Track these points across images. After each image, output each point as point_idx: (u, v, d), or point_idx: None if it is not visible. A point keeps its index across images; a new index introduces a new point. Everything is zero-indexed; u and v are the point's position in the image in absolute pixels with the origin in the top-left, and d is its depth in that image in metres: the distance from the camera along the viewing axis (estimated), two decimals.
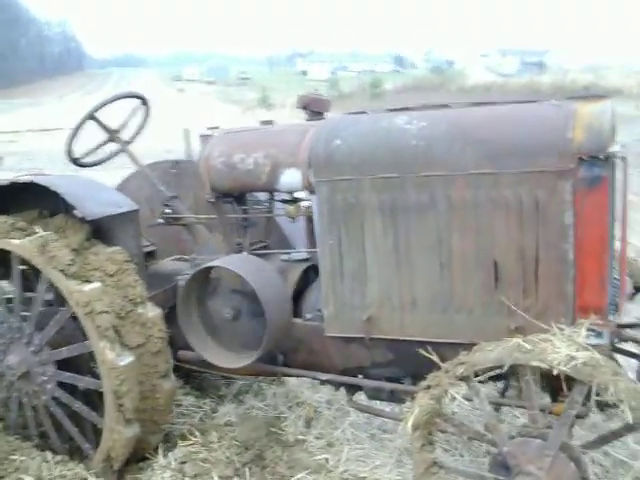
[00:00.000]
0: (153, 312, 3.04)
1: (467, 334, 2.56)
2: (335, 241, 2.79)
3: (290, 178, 2.88)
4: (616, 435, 2.25)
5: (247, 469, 2.98)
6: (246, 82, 74.74)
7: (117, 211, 3.06)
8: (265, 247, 3.43)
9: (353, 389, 3.10)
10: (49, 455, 3.08)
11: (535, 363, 2.10)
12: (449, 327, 2.60)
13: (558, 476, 2.15)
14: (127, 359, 2.88)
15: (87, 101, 38.45)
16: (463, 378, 2.26)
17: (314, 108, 3.49)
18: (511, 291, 2.48)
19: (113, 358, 2.84)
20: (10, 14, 69.41)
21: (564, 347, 2.09)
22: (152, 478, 2.93)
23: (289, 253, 3.34)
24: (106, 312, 2.86)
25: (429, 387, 2.33)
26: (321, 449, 3.18)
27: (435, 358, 2.38)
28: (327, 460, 3.05)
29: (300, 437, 3.28)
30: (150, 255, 3.62)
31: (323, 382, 3.11)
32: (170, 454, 3.09)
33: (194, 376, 3.86)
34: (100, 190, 3.18)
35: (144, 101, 3.71)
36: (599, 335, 2.36)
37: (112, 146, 3.71)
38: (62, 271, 2.88)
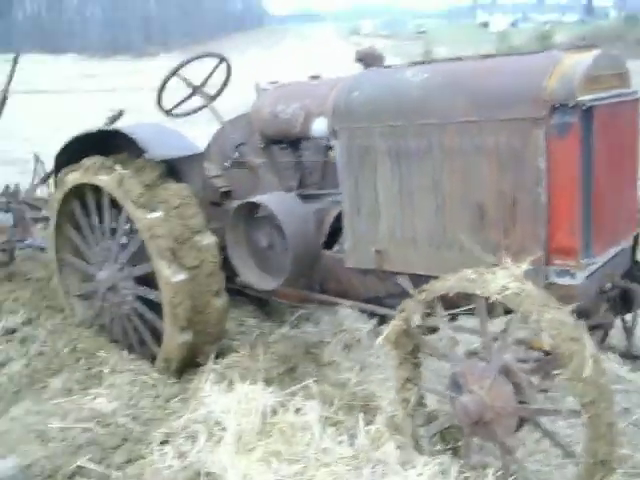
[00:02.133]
0: (208, 240, 3.56)
1: (458, 269, 2.80)
2: (353, 182, 3.13)
3: (319, 125, 3.25)
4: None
5: (277, 379, 3.45)
6: (423, 35, 73.66)
7: (182, 154, 3.59)
8: (320, 189, 3.82)
9: (382, 319, 3.45)
10: (125, 353, 3.78)
11: (477, 291, 2.34)
12: (443, 262, 2.85)
13: (497, 396, 2.39)
14: (180, 276, 3.43)
15: (266, 56, 40.00)
16: (427, 303, 2.54)
17: (369, 61, 3.78)
18: (493, 231, 2.69)
19: (168, 275, 3.40)
20: None
21: (501, 278, 2.31)
22: (201, 377, 3.46)
23: (336, 194, 3.70)
24: (164, 237, 3.43)
25: (401, 311, 2.64)
26: (349, 369, 3.55)
27: (409, 287, 2.68)
28: (349, 379, 3.43)
29: (335, 359, 3.67)
30: (227, 195, 4.15)
31: (351, 308, 3.48)
32: (219, 361, 3.62)
33: (264, 302, 4.38)
34: (170, 136, 3.71)
35: (223, 60, 4.21)
36: (572, 276, 2.53)
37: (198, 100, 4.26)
38: (133, 202, 3.48)
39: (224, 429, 2.83)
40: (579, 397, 2.13)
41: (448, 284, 2.46)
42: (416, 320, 2.55)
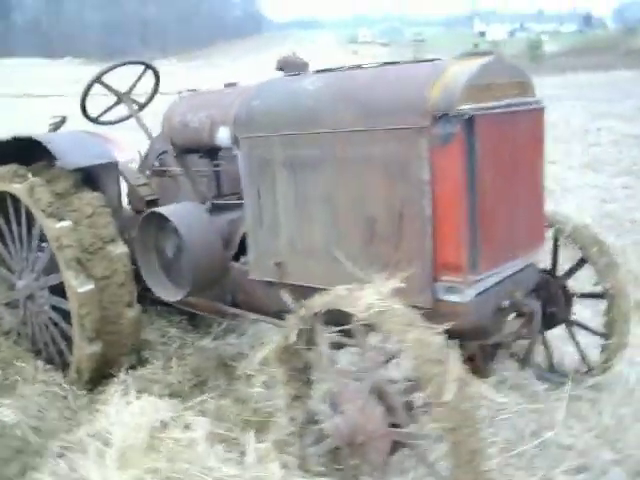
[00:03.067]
0: (120, 250, 3.51)
1: (351, 283, 2.74)
2: (254, 193, 3.08)
3: (223, 134, 3.20)
4: None
5: (186, 392, 3.40)
6: (420, 44, 73.72)
7: (95, 162, 3.56)
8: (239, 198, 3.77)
9: None
10: (41, 364, 3.72)
11: (347, 309, 2.29)
12: (338, 276, 2.78)
13: (368, 417, 2.33)
14: (87, 287, 3.38)
15: (262, 61, 39.90)
16: (306, 320, 2.49)
17: (290, 69, 3.73)
18: (383, 245, 2.62)
19: (75, 285, 3.35)
20: None
21: (369, 296, 2.25)
22: (110, 389, 3.39)
23: None
24: (71, 246, 3.38)
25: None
26: (261, 384, 3.49)
27: (289, 302, 2.63)
28: (254, 394, 3.37)
29: (250, 373, 3.62)
30: (153, 203, 4.10)
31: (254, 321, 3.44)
32: (133, 372, 3.56)
33: (192, 313, 4.32)
34: (88, 144, 3.67)
35: (148, 67, 4.17)
36: (459, 293, 2.46)
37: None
38: (43, 210, 3.43)
39: (110, 444, 2.77)
40: (439, 422, 2.06)
41: (324, 300, 2.41)
42: (293, 337, 2.50)
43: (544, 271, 3.41)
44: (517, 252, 2.72)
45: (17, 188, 3.54)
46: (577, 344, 3.39)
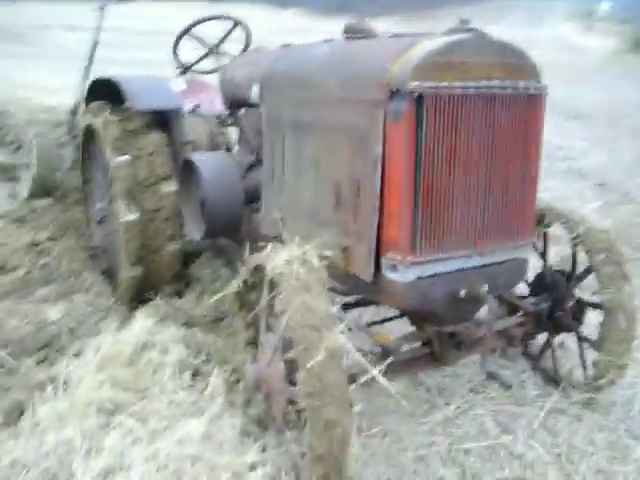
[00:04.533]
0: (169, 188, 3.89)
1: (331, 246, 2.82)
2: (269, 150, 3.26)
3: (255, 91, 3.39)
4: None
5: (204, 326, 3.72)
6: None
7: (158, 106, 3.93)
8: None
9: None
10: (101, 278, 4.28)
11: (267, 265, 2.43)
12: (309, 237, 2.90)
13: (272, 371, 2.47)
14: (132, 216, 3.80)
15: (487, 31, 38.23)
16: (250, 271, 2.67)
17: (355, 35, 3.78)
18: (346, 213, 2.69)
19: (122, 213, 3.79)
20: None
21: (283, 257, 2.37)
22: (141, 310, 3.81)
23: None
24: (126, 179, 3.81)
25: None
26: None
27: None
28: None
29: None
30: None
31: None
32: (167, 300, 3.95)
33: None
34: (159, 90, 4.05)
35: (238, 23, 4.44)
36: (398, 271, 2.48)
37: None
38: (110, 144, 3.89)
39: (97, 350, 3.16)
40: (300, 386, 2.15)
41: (260, 256, 2.56)
42: (236, 286, 2.69)
43: (560, 273, 3.23)
44: (487, 243, 2.63)
45: (95, 122, 4.04)
46: (581, 355, 3.19)
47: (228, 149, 4.17)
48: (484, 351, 2.98)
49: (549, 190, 6.82)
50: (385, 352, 2.67)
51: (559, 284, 3.19)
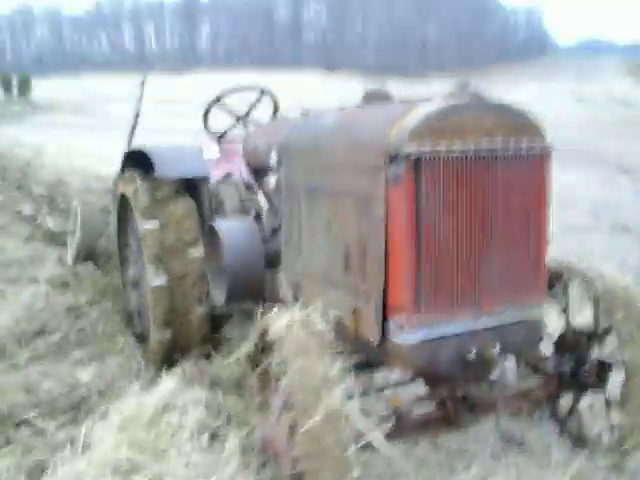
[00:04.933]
0: (197, 253, 4.01)
1: (342, 308, 2.87)
2: (287, 213, 3.35)
3: (273, 158, 3.52)
4: None
5: (225, 386, 3.77)
6: None
7: (184, 175, 4.09)
8: None
9: None
10: (133, 341, 4.41)
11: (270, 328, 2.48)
12: (331, 301, 2.96)
13: (277, 433, 2.49)
14: (160, 281, 3.93)
15: (540, 89, 38.29)
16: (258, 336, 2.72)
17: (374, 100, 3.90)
18: (354, 275, 2.74)
19: (151, 278, 3.92)
20: (478, 3, 74.21)
21: (284, 320, 2.42)
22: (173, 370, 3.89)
23: None
24: (154, 245, 3.95)
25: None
26: None
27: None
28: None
29: None
30: None
31: None
32: (196, 361, 4.03)
33: None
34: (186, 158, 4.22)
35: (264, 93, 4.63)
36: (404, 334, 2.50)
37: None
38: (139, 211, 4.06)
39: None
40: (297, 448, 2.16)
41: (265, 320, 2.61)
42: (246, 348, 2.74)
43: (582, 332, 3.17)
44: (494, 303, 2.63)
45: (127, 190, 4.23)
46: (607, 417, 3.08)
47: (258, 214, 4.29)
48: (502, 414, 2.92)
49: (588, 243, 6.72)
50: (397, 415, 2.66)
51: (581, 344, 3.12)
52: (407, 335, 2.48)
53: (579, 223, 7.94)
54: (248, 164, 3.96)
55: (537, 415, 3.46)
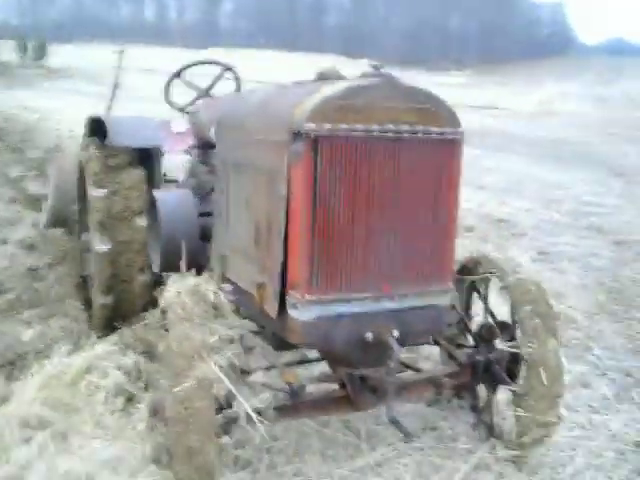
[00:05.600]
0: (142, 222, 4.08)
1: (251, 282, 2.92)
2: (218, 188, 3.40)
3: (212, 134, 3.57)
4: None
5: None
6: None
7: (138, 145, 4.14)
8: None
9: None
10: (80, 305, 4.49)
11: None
12: (245, 274, 3.01)
13: None
14: (104, 247, 4.00)
15: (562, 87, 37.69)
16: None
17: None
18: (261, 251, 2.79)
19: (96, 244, 4.00)
20: None
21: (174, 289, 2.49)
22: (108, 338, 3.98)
23: None
24: (100, 212, 4.02)
25: None
26: None
27: (228, 295, 2.85)
28: None
29: None
30: None
31: None
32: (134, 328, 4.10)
33: None
34: (142, 128, 4.27)
35: (228, 69, 4.66)
36: (298, 310, 2.54)
37: None
38: (91, 179, 4.13)
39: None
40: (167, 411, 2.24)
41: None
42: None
43: (499, 325, 3.21)
44: (395, 287, 2.65)
45: (82, 157, 4.29)
46: (515, 410, 3.12)
47: (203, 188, 4.33)
48: (398, 399, 2.97)
49: (559, 245, 6.74)
50: (291, 392, 2.71)
51: (496, 336, 3.16)
52: (301, 311, 2.53)
53: (558, 221, 7.96)
54: (195, 137, 4.00)
55: (457, 404, 3.51)
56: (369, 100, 2.50)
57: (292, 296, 2.56)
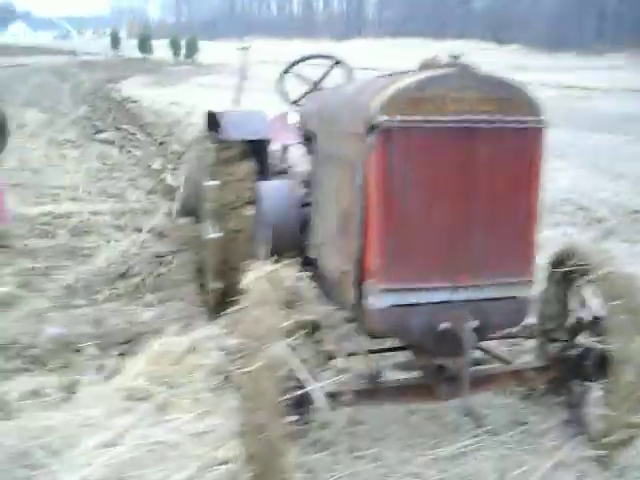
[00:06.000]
0: (249, 211, 4.29)
1: (336, 270, 3.00)
2: (315, 180, 3.53)
3: (311, 126, 3.69)
4: None
5: None
6: None
7: (247, 138, 4.35)
8: None
9: None
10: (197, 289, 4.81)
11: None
12: (330, 262, 3.12)
13: None
14: (216, 234, 4.26)
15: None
16: None
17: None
18: (344, 239, 2.86)
19: (208, 232, 4.27)
20: None
21: (253, 275, 2.62)
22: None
23: None
24: (214, 201, 4.28)
25: None
26: None
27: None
28: None
29: None
30: None
31: None
32: None
33: None
34: (253, 123, 4.47)
35: (338, 62, 4.76)
36: (374, 297, 2.60)
37: None
38: (207, 170, 4.40)
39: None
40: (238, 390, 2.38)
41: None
42: None
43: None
44: (471, 277, 2.65)
45: (199, 150, 4.59)
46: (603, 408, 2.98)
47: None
48: (495, 389, 2.95)
49: None
50: (370, 377, 2.78)
51: (581, 331, 3.04)
52: (376, 299, 2.59)
53: None
54: (302, 130, 4.14)
55: (553, 400, 3.40)
56: (443, 91, 2.50)
57: (368, 284, 2.63)
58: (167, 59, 37.46)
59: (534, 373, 3.03)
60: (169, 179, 8.49)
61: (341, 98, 3.18)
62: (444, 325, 2.62)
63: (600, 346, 2.84)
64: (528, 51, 55.81)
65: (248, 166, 4.35)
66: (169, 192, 7.92)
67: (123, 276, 5.16)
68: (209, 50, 38.04)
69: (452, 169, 2.55)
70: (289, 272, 2.68)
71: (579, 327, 3.03)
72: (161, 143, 11.85)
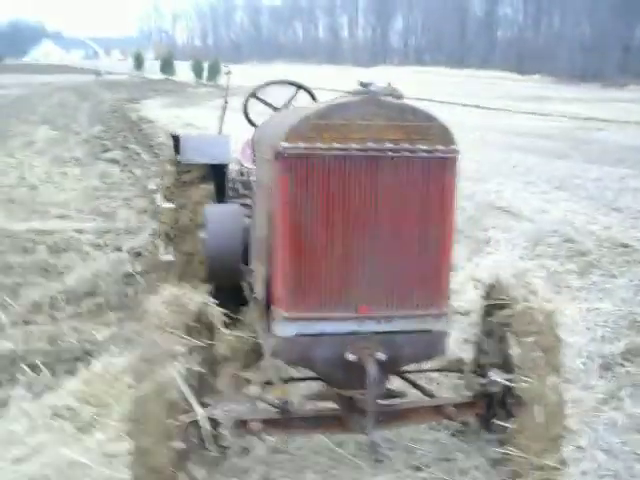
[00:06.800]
0: (202, 235, 4.32)
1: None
2: (253, 204, 3.55)
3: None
4: None
5: None
6: None
7: (205, 161, 4.39)
8: None
9: None
10: None
11: None
12: (255, 288, 3.13)
13: None
14: (168, 257, 4.29)
15: None
16: None
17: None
18: (260, 266, 2.89)
19: (160, 252, 4.30)
20: None
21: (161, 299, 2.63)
22: None
23: None
24: (167, 223, 4.32)
25: None
26: None
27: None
28: None
29: None
30: None
31: None
32: None
33: None
34: (215, 147, 4.51)
35: (300, 88, 4.79)
36: (278, 326, 2.57)
37: None
38: (163, 194, 4.46)
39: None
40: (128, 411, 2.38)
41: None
42: None
43: None
44: (375, 309, 2.60)
45: (162, 171, 4.64)
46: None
47: None
48: (412, 423, 2.91)
49: None
50: (280, 407, 2.75)
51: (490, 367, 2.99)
52: (281, 327, 2.56)
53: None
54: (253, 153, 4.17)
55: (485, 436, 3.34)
56: (348, 118, 2.46)
57: (274, 312, 2.62)
58: (189, 81, 38.02)
59: (456, 409, 2.98)
60: (158, 199, 8.55)
61: (272, 124, 3.21)
62: (350, 357, 2.59)
63: (505, 383, 2.78)
64: (551, 82, 55.62)
65: (206, 189, 4.39)
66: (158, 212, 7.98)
67: (89, 295, 5.20)
68: (234, 73, 38.35)
69: (356, 198, 2.50)
70: (195, 297, 2.67)
71: (492, 364, 2.98)
72: (164, 163, 11.96)
